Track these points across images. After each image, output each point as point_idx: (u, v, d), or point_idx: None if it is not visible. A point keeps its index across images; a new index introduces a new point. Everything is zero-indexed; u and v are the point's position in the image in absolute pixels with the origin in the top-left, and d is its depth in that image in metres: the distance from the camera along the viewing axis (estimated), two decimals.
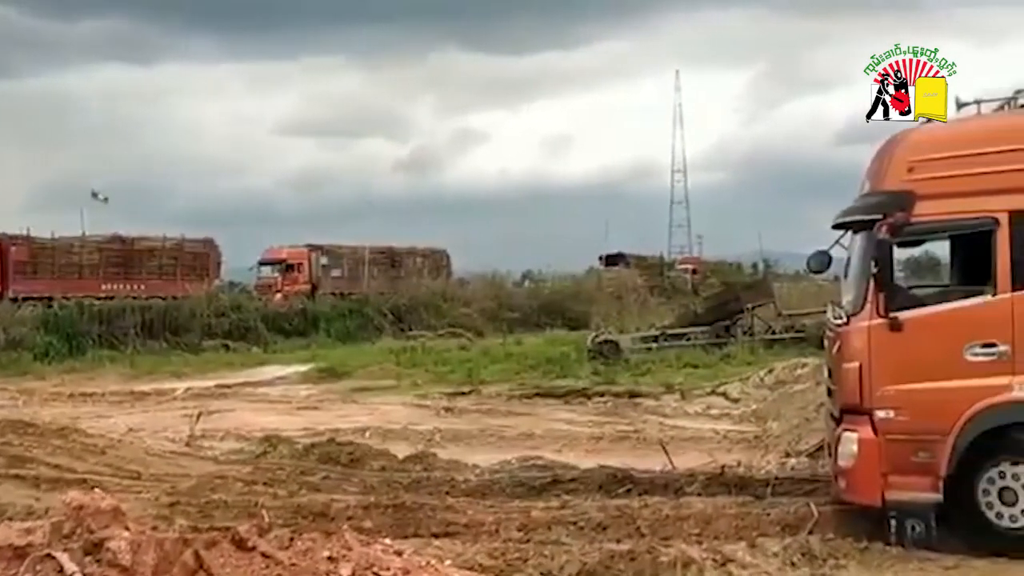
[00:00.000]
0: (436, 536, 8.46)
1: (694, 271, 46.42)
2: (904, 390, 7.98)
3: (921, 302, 8.48)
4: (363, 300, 36.82)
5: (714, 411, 17.12)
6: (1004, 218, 7.87)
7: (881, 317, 8.06)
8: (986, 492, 7.89)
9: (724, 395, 18.48)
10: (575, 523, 8.86)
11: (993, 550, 7.65)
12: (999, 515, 7.85)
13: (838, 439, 8.37)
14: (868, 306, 8.16)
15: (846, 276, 8.97)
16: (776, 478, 10.24)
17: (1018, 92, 8.45)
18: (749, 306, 25.89)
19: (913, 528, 7.90)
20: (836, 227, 8.93)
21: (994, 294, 7.96)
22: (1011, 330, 7.81)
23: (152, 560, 4.56)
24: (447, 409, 17.52)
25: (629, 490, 10.13)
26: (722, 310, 26.17)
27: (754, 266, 42.28)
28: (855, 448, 8.11)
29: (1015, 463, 7.83)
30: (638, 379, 20.75)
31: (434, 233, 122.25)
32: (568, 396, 18.75)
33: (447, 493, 10.15)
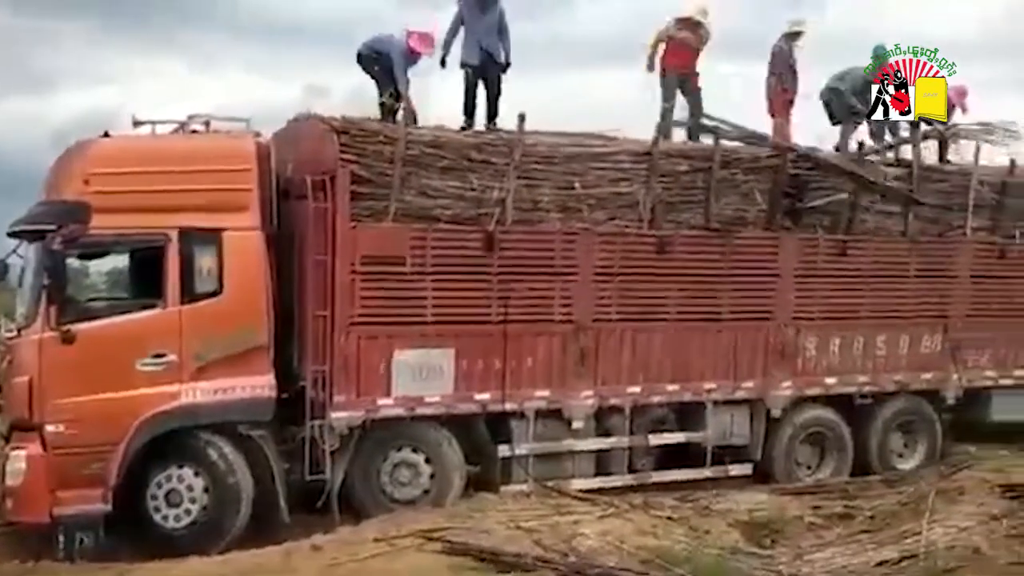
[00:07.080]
0: None
1: None
2: (76, 403, 7.97)
3: (96, 314, 8.52)
4: None
5: None
6: (174, 235, 8.33)
7: (53, 330, 7.96)
8: (154, 497, 8.31)
9: None
10: None
11: (159, 552, 8.00)
12: (165, 517, 8.33)
13: (7, 458, 8.05)
14: (40, 318, 8.00)
15: (21, 287, 8.65)
16: None
17: (191, 117, 8.98)
18: None
19: (82, 540, 7.94)
20: (11, 235, 8.56)
21: (164, 307, 8.36)
22: (179, 341, 8.30)
23: None
24: None
25: None
26: None
27: None
28: (23, 466, 7.89)
29: (180, 466, 8.36)
30: None
31: None
32: None
33: None
